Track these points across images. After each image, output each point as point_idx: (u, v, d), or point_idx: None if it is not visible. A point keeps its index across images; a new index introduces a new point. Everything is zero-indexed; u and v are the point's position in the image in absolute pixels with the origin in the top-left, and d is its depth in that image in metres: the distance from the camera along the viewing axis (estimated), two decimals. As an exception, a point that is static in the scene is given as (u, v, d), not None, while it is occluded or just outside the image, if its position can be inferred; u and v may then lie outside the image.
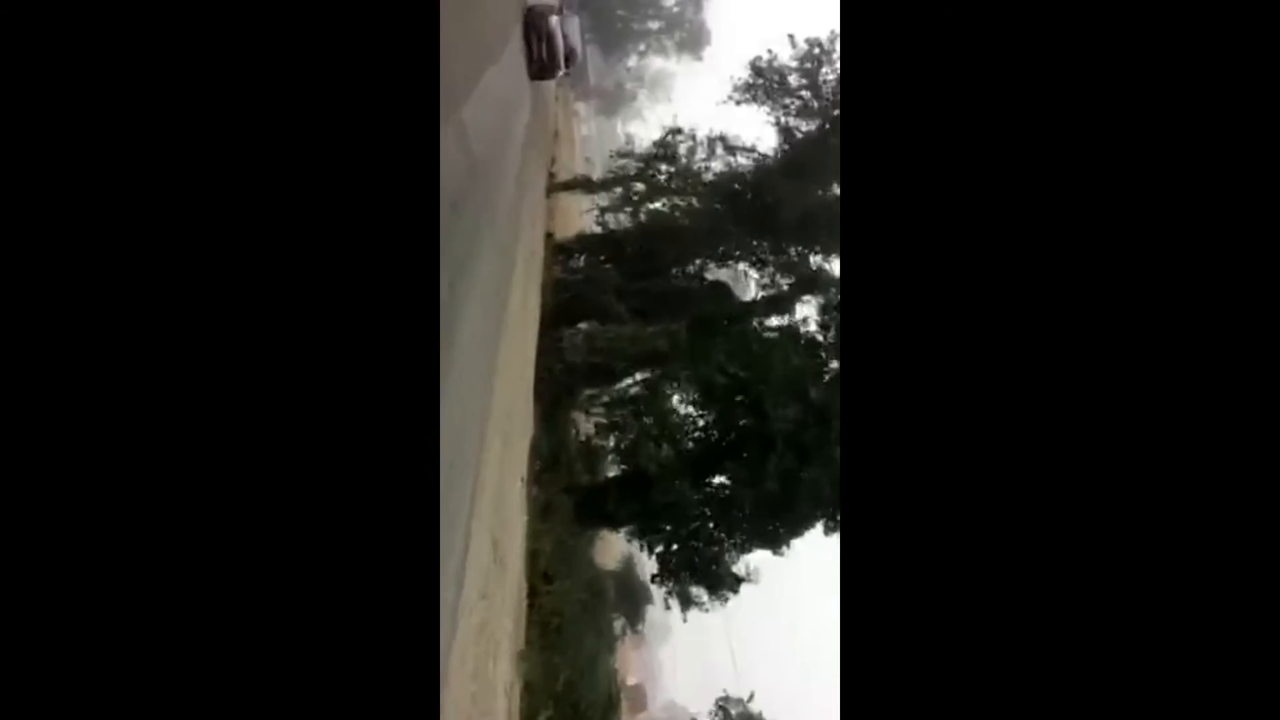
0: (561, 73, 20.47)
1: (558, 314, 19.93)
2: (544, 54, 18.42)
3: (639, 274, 21.64)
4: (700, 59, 65.00)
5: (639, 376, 18.73)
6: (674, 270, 22.45)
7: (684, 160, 23.62)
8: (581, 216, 26.54)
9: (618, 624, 29.40)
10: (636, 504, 16.33)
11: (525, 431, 13.43)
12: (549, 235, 22.45)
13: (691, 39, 64.44)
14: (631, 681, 45.35)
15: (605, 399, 18.22)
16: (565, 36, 19.45)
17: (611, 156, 25.63)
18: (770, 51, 23.12)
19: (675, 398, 18.40)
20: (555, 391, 17.55)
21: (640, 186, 24.63)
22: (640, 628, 34.54)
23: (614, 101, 71.44)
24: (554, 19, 18.91)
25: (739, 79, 23.48)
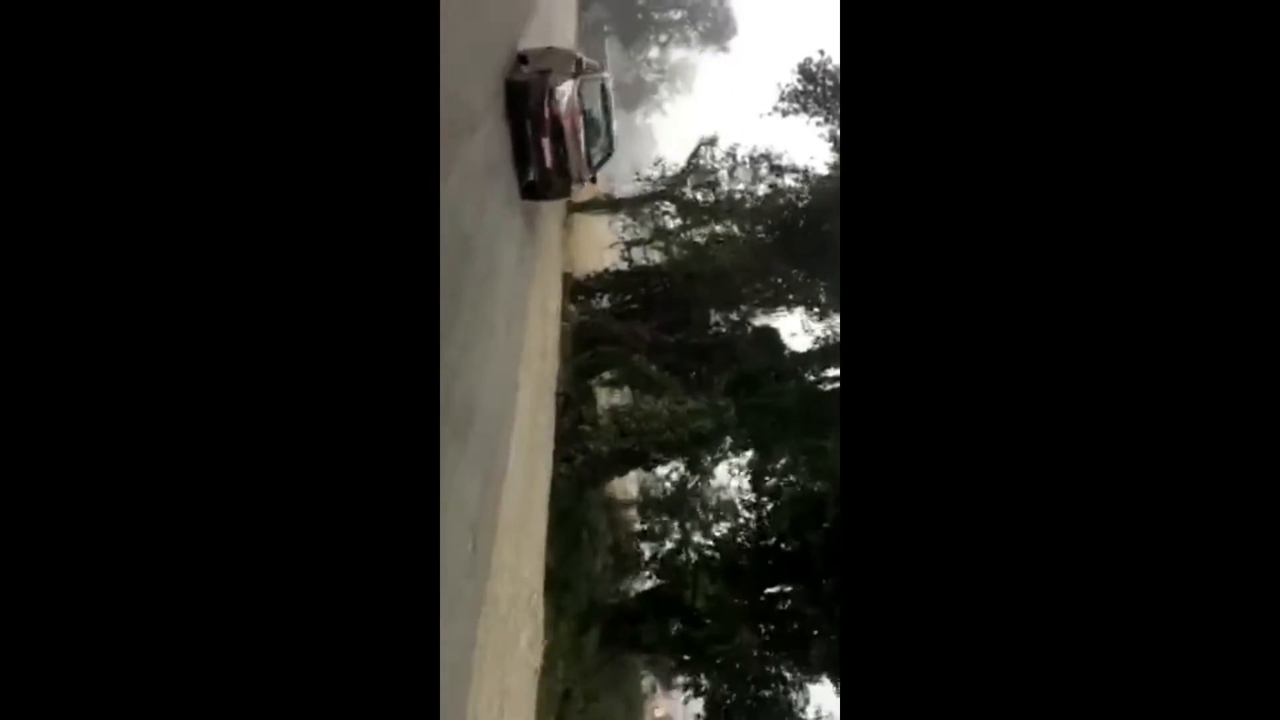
0: (585, 183, 11.67)
1: (578, 375, 16.69)
2: (549, 157, 10.11)
3: (672, 323, 18.23)
4: (726, 49, 61.24)
5: (678, 459, 15.41)
6: (713, 316, 19.01)
7: (723, 185, 19.98)
8: (604, 251, 23.02)
9: (646, 681, 26.77)
10: (677, 632, 13.11)
11: (535, 642, 9.96)
12: (566, 275, 19.11)
13: (716, 29, 60.55)
14: (660, 714, 42.91)
15: (638, 498, 14.88)
16: (586, 114, 10.62)
17: (637, 180, 21.98)
18: (822, 53, 19.40)
19: (727, 478, 15.10)
20: (576, 485, 14.32)
21: (669, 207, 21.13)
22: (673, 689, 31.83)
23: (633, 94, 67.84)
24: (566, 87, 10.16)
25: (786, 85, 19.76)
